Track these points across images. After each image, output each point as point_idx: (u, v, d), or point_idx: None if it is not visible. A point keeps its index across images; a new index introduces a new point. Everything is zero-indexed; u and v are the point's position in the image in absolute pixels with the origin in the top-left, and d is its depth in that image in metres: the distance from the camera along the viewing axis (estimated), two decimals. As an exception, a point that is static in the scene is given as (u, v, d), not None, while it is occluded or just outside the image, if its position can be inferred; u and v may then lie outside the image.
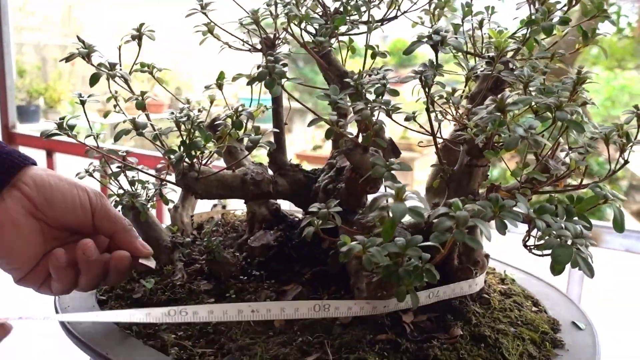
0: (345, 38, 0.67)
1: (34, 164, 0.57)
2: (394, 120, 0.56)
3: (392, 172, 0.49)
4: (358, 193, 0.61)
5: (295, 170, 0.68)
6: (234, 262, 0.63)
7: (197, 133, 0.59)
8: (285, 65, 0.57)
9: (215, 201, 0.84)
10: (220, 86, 0.71)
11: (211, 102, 0.69)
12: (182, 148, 0.60)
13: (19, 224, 0.54)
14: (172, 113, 0.61)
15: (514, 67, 0.60)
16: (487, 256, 0.63)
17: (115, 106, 0.76)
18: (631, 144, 0.56)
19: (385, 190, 0.47)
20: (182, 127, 0.59)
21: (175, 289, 0.63)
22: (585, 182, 0.57)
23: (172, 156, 0.59)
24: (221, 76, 0.71)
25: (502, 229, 0.47)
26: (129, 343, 0.55)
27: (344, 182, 0.61)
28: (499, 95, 0.49)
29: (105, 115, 0.76)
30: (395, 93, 0.53)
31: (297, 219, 0.72)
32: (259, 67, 0.57)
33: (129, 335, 0.56)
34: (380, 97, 0.53)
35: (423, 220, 0.43)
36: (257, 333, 0.55)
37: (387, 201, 0.43)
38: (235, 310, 0.55)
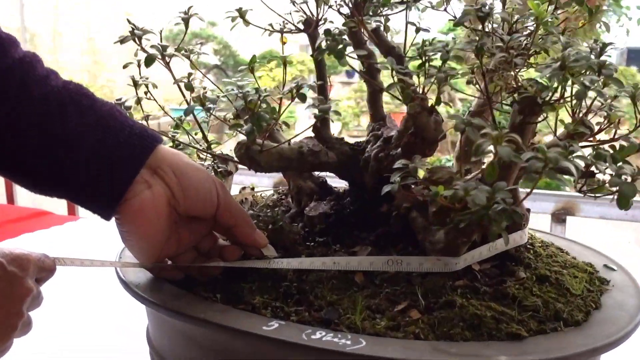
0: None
1: (161, 141, 0.58)
2: (452, 87, 0.61)
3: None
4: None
5: (341, 143, 0.71)
6: (297, 231, 0.66)
7: (263, 105, 0.62)
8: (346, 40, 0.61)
9: (247, 185, 0.86)
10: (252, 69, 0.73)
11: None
12: (248, 121, 0.62)
13: (160, 214, 0.56)
14: (233, 89, 0.63)
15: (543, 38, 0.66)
16: (528, 210, 0.69)
17: (146, 93, 0.78)
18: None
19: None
20: (250, 100, 0.61)
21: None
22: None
23: (242, 129, 0.62)
24: (253, 60, 0.73)
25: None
26: (217, 307, 0.56)
27: (401, 147, 0.65)
28: (560, 55, 0.55)
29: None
30: (460, 59, 0.58)
31: (341, 190, 0.75)
32: (322, 40, 0.61)
33: (215, 301, 0.57)
34: (444, 64, 0.58)
35: (521, 161, 0.48)
36: (341, 289, 0.58)
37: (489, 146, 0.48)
38: (319, 262, 0.59)
